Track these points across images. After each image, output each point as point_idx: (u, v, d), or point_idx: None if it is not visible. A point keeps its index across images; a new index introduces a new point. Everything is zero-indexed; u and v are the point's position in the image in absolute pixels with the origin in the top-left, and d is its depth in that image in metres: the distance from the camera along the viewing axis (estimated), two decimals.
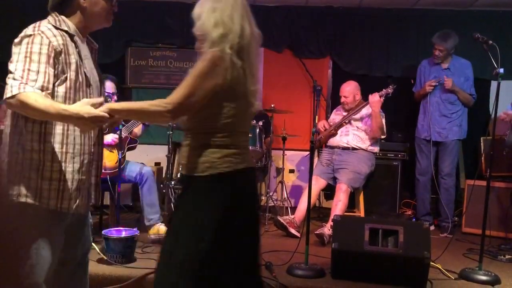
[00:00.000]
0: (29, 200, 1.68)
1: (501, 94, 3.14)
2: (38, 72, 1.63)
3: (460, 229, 4.39)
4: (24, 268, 1.65)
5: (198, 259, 1.67)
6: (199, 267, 1.67)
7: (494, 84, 5.19)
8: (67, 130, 1.73)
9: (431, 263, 2.84)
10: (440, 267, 3.07)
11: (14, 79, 1.61)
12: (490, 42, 3.13)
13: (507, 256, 3.53)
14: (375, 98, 4.09)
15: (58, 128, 1.71)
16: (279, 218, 3.99)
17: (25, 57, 1.63)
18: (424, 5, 5.05)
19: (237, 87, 1.72)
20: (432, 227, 4.35)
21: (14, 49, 1.66)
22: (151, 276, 2.80)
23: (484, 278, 2.93)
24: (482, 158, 4.57)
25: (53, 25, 1.72)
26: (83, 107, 1.62)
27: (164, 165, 5.15)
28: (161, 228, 3.57)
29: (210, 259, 1.68)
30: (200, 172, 1.72)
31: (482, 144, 4.68)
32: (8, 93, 1.61)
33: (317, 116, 3.30)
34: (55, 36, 1.68)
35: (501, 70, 3.03)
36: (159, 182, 4.30)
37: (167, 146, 4.27)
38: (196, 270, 1.67)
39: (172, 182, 4.43)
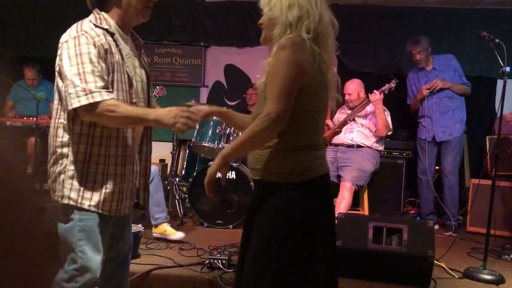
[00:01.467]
0: (72, 202, 1.69)
1: (507, 93, 3.13)
2: (93, 72, 1.58)
3: (464, 228, 4.38)
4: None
5: (291, 271, 1.55)
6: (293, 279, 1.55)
7: (500, 82, 5.15)
8: (113, 132, 1.70)
9: (435, 261, 2.84)
10: (444, 265, 3.06)
11: (75, 85, 1.56)
12: (497, 40, 3.11)
13: (511, 256, 3.51)
14: (376, 97, 4.08)
15: (105, 131, 1.69)
16: None
17: (77, 61, 1.57)
18: (430, 3, 5.03)
19: (319, 77, 1.56)
20: (436, 226, 4.33)
21: (63, 53, 1.61)
22: (155, 272, 2.82)
23: (488, 277, 2.92)
24: (488, 157, 4.54)
25: (94, 24, 1.66)
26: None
27: (168, 161, 5.17)
28: (167, 228, 3.55)
29: (300, 269, 1.56)
30: (294, 177, 1.56)
31: (487, 142, 4.66)
32: (76, 102, 1.55)
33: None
34: (98, 35, 1.63)
35: (507, 69, 3.02)
36: (164, 179, 4.31)
37: (171, 143, 4.28)
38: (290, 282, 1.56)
39: (177, 179, 4.44)
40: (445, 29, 4.98)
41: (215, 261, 2.87)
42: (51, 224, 2.83)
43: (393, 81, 4.13)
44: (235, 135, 4.29)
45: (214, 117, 4.02)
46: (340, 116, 4.44)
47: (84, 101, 1.56)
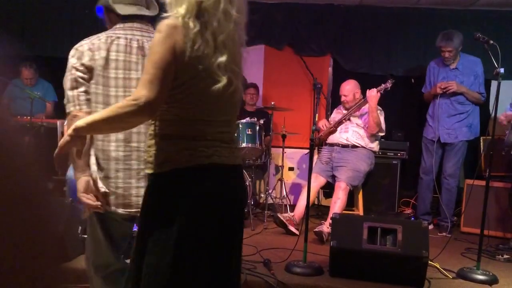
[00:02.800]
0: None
1: (501, 94, 3.14)
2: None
3: (458, 229, 4.39)
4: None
5: (165, 275, 1.42)
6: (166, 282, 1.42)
7: (494, 84, 5.17)
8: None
9: (429, 262, 2.85)
10: (438, 266, 3.07)
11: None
12: (491, 42, 3.12)
13: (505, 256, 3.53)
14: (372, 93, 4.08)
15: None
16: (278, 215, 3.99)
17: None
18: (426, 4, 5.04)
19: (202, 61, 1.38)
20: (431, 226, 4.35)
21: None
22: None
23: (482, 277, 2.93)
24: (482, 158, 4.57)
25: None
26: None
27: None
28: None
29: (176, 275, 1.42)
30: (156, 167, 1.46)
31: (481, 143, 4.69)
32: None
33: (317, 114, 3.29)
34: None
35: (502, 70, 3.03)
36: None
37: None
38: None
39: None
40: (440, 30, 4.97)
41: None
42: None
43: (389, 81, 4.13)
44: None
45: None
46: (336, 116, 4.45)
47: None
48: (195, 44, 1.36)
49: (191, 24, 1.36)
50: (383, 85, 4.12)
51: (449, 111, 4.35)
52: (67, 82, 1.78)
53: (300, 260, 3.02)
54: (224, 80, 1.40)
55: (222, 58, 1.39)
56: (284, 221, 3.91)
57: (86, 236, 3.06)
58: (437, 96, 4.34)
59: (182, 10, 1.36)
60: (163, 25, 1.38)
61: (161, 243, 1.42)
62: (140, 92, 1.36)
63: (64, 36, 5.24)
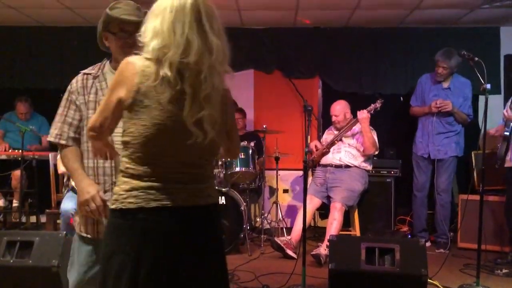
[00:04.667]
0: None
1: (488, 109, 3.18)
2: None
3: (455, 245, 4.38)
4: None
5: None
6: None
7: (481, 98, 5.26)
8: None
9: (428, 280, 2.82)
10: (438, 284, 3.05)
11: None
12: (476, 59, 3.19)
13: (504, 271, 3.52)
14: (363, 115, 4.12)
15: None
16: (275, 239, 3.96)
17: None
18: (410, 23, 5.13)
19: (158, 106, 1.37)
20: (428, 243, 4.33)
21: None
22: None
23: None
24: (474, 172, 4.60)
25: (83, 73, 1.99)
26: None
27: None
28: None
29: None
30: (111, 203, 1.47)
31: (473, 158, 4.71)
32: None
33: (309, 136, 3.29)
34: (77, 82, 1.97)
35: (488, 86, 3.08)
36: None
37: None
38: None
39: None
40: (425, 48, 5.08)
41: None
42: (40, 258, 2.77)
43: (379, 101, 4.18)
44: (223, 159, 4.28)
45: None
46: (328, 137, 4.47)
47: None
48: (169, 98, 1.37)
49: (173, 82, 1.36)
50: (372, 106, 4.17)
51: (439, 129, 4.40)
52: None
53: (299, 285, 3.00)
54: (199, 136, 1.39)
55: (202, 113, 1.39)
56: (282, 245, 3.88)
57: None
58: (432, 114, 4.37)
59: (167, 69, 1.36)
60: (123, 63, 1.42)
61: (101, 278, 1.46)
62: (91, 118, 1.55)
63: (53, 68, 5.26)
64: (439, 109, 4.30)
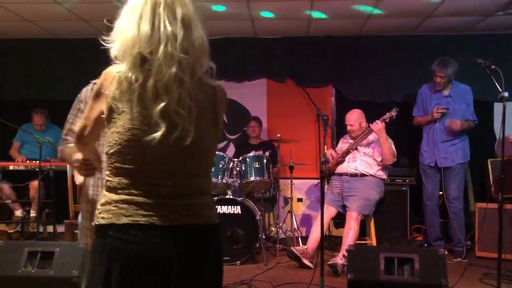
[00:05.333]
0: None
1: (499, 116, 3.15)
2: None
3: (473, 254, 4.33)
4: None
5: None
6: None
7: (496, 105, 5.23)
8: None
9: None
10: None
11: None
12: (493, 67, 3.17)
13: None
14: (378, 126, 4.10)
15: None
16: (292, 249, 3.95)
17: None
18: (423, 31, 5.13)
19: (131, 109, 1.30)
20: (444, 252, 4.29)
21: None
22: None
23: None
24: (491, 180, 4.56)
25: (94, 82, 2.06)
26: None
27: None
28: None
29: None
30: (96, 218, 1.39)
31: (490, 166, 4.67)
32: None
33: (326, 146, 3.29)
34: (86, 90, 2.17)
35: (506, 94, 3.06)
36: None
37: None
38: None
39: None
40: (437, 55, 5.04)
41: None
42: (61, 269, 2.79)
43: (394, 109, 4.17)
44: (238, 168, 4.30)
45: (217, 152, 4.04)
46: (342, 146, 4.47)
47: None
48: (132, 94, 1.30)
49: (133, 78, 1.30)
50: (388, 114, 4.15)
51: (444, 137, 4.40)
52: None
53: None
54: (162, 128, 1.28)
55: (162, 104, 1.29)
56: (298, 254, 3.87)
57: None
58: (435, 121, 4.38)
59: (126, 66, 1.31)
60: (103, 74, 1.38)
61: None
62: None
63: (69, 80, 5.33)
64: (440, 114, 4.30)
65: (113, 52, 1.35)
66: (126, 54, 1.32)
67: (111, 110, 1.32)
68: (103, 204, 1.33)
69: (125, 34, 1.32)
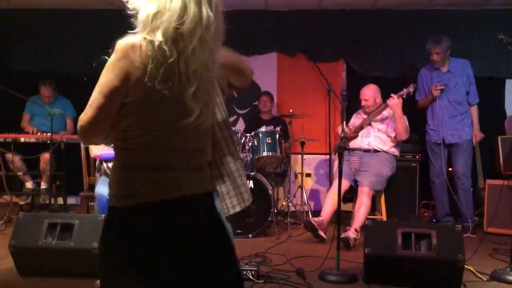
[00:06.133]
0: None
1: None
2: None
3: (481, 229, 4.38)
4: None
5: None
6: None
7: (508, 82, 5.21)
8: None
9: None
10: (472, 269, 3.06)
11: None
12: None
13: None
14: (394, 101, 4.08)
15: None
16: (310, 220, 3.97)
17: None
18: (438, 5, 5.04)
19: (164, 91, 1.27)
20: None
21: None
22: None
23: None
24: (501, 157, 4.58)
25: None
26: None
27: None
28: None
29: None
30: (117, 200, 1.33)
31: (499, 143, 4.68)
32: None
33: (344, 122, 3.28)
34: None
35: None
36: None
37: None
38: None
39: None
40: (454, 30, 4.99)
41: (244, 272, 2.86)
42: (80, 240, 2.82)
43: (411, 85, 4.13)
44: (250, 143, 4.30)
45: None
46: (355, 121, 4.44)
47: None
48: (164, 73, 1.26)
49: (168, 53, 1.25)
50: (405, 90, 4.12)
51: (450, 112, 4.41)
52: None
53: (333, 268, 3.02)
54: (196, 111, 1.30)
55: (192, 88, 1.29)
56: (316, 225, 3.89)
57: None
58: (436, 100, 4.39)
59: (159, 35, 1.24)
60: (120, 45, 1.26)
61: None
62: (82, 114, 1.31)
63: (77, 51, 5.27)
64: (439, 91, 4.33)
65: (144, 15, 1.27)
66: (161, 23, 1.25)
67: (137, 85, 1.26)
68: (138, 183, 1.31)
69: (168, 3, 1.25)
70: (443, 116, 4.39)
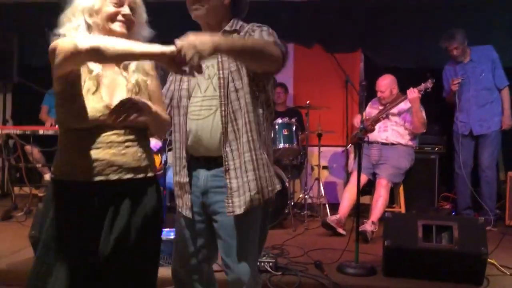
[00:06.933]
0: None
1: None
2: None
3: (503, 222, 4.30)
4: None
5: None
6: None
7: None
8: None
9: None
10: (495, 262, 3.00)
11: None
12: None
13: None
14: (414, 95, 3.98)
15: None
16: (327, 220, 3.93)
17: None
18: None
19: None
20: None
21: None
22: None
23: None
24: None
25: None
26: None
27: None
28: None
29: None
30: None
31: None
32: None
33: (363, 112, 3.23)
34: None
35: None
36: None
37: None
38: None
39: None
40: (474, 19, 4.87)
41: (262, 264, 2.84)
42: None
43: (430, 80, 4.00)
44: None
45: None
46: (371, 111, 4.35)
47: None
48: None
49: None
50: (423, 85, 3.99)
51: (479, 102, 4.29)
52: None
53: (351, 261, 2.98)
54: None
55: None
56: (333, 225, 3.86)
57: None
58: (459, 92, 4.28)
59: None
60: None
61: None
62: None
63: None
64: (457, 85, 4.24)
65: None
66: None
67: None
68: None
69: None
70: (470, 107, 4.30)
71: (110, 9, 1.56)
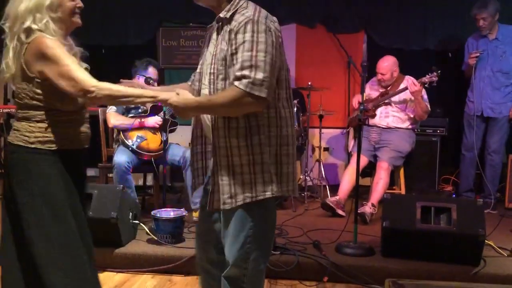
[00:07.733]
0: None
1: None
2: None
3: (503, 205, 4.31)
4: None
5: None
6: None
7: None
8: None
9: None
10: (493, 244, 3.01)
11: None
12: None
13: None
14: (415, 88, 3.87)
15: None
16: (326, 201, 3.94)
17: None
18: None
19: None
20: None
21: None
22: None
23: None
24: None
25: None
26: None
27: None
28: None
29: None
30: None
31: None
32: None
33: (364, 93, 3.21)
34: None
35: None
36: None
37: None
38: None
39: None
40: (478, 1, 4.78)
41: None
42: (99, 210, 2.86)
43: (435, 73, 3.86)
44: None
45: None
46: (371, 93, 4.28)
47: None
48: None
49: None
50: (428, 78, 3.88)
51: (493, 84, 4.20)
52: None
53: (350, 241, 3.01)
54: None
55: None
56: (333, 206, 3.88)
57: (136, 221, 3.10)
58: (475, 69, 4.17)
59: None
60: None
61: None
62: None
63: (95, 24, 5.24)
64: (474, 59, 4.12)
65: None
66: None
67: None
68: None
69: None
70: (484, 87, 4.20)
71: (70, 4, 1.76)
